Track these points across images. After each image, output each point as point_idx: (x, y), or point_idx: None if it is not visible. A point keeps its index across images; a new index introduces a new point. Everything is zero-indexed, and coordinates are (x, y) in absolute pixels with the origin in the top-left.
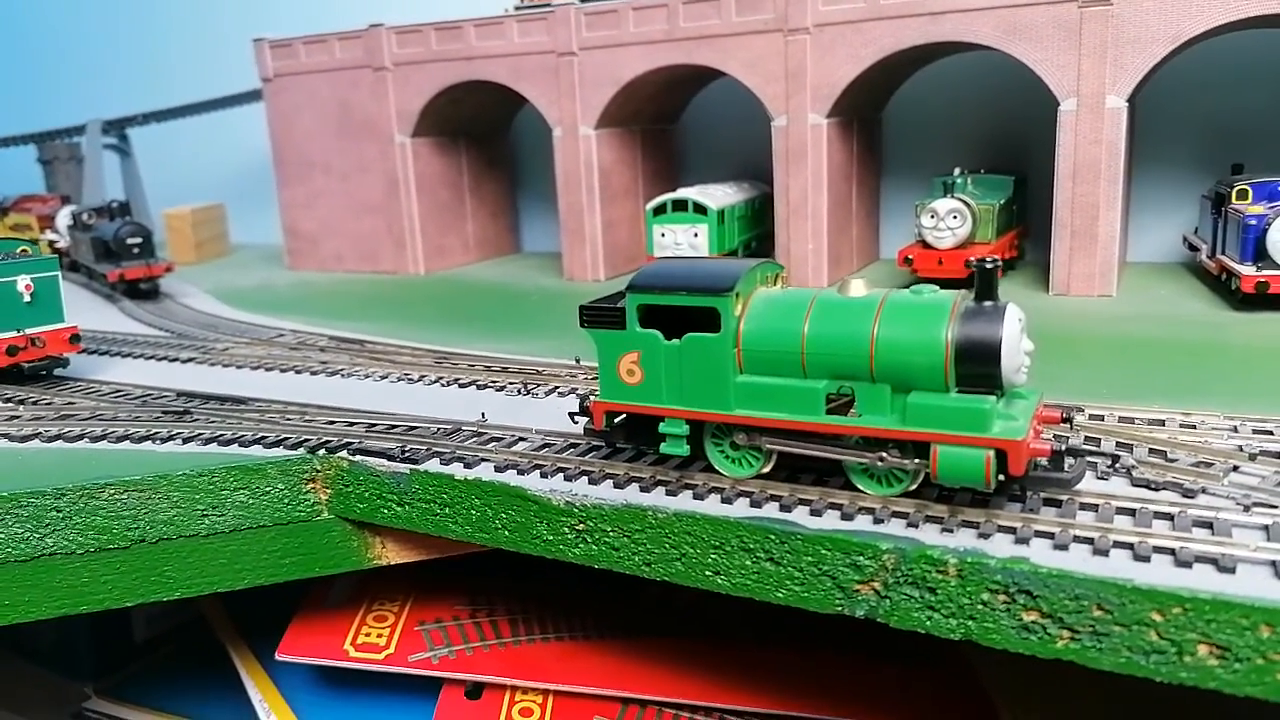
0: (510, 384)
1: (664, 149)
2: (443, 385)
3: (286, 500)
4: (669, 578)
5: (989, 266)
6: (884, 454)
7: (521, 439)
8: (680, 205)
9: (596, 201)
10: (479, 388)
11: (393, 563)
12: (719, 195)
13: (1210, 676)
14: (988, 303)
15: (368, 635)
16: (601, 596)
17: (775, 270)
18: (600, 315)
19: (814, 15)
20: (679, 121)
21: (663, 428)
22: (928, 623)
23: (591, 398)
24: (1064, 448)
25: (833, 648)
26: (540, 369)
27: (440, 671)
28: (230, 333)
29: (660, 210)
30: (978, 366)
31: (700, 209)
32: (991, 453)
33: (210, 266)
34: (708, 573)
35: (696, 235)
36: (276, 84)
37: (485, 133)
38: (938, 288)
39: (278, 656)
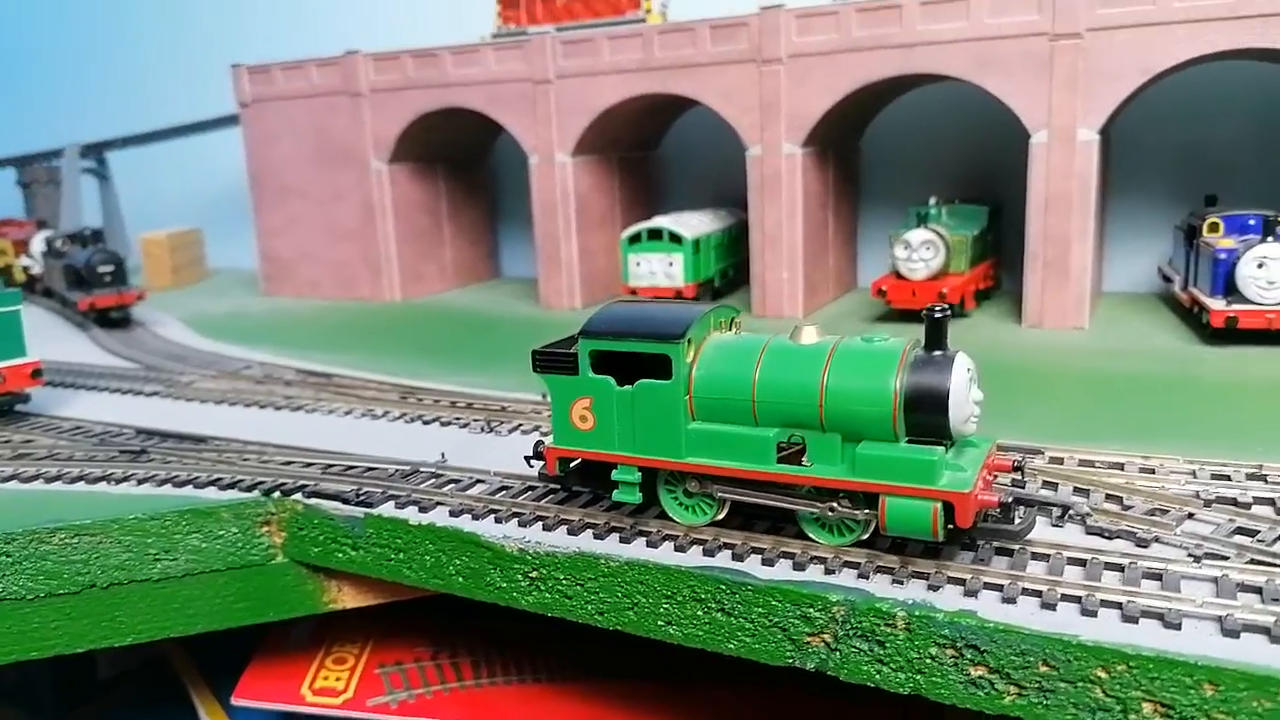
0: (474, 420)
1: (642, 176)
2: (406, 422)
3: (240, 544)
4: (621, 627)
5: (938, 315)
6: (834, 504)
7: (479, 481)
8: (655, 234)
9: (573, 229)
10: (442, 424)
11: (348, 607)
12: (694, 224)
13: None
14: (937, 352)
15: (326, 679)
16: (569, 636)
17: (730, 315)
18: (553, 360)
19: (788, 46)
20: (657, 149)
21: (615, 475)
22: (877, 676)
23: (545, 443)
24: (1011, 499)
25: (808, 687)
26: (505, 405)
27: (399, 716)
28: (198, 364)
29: (635, 239)
30: (926, 416)
31: (675, 238)
32: (939, 505)
33: (186, 292)
34: (660, 622)
35: (671, 264)
36: (254, 109)
37: (464, 159)
38: (888, 336)
39: (233, 701)
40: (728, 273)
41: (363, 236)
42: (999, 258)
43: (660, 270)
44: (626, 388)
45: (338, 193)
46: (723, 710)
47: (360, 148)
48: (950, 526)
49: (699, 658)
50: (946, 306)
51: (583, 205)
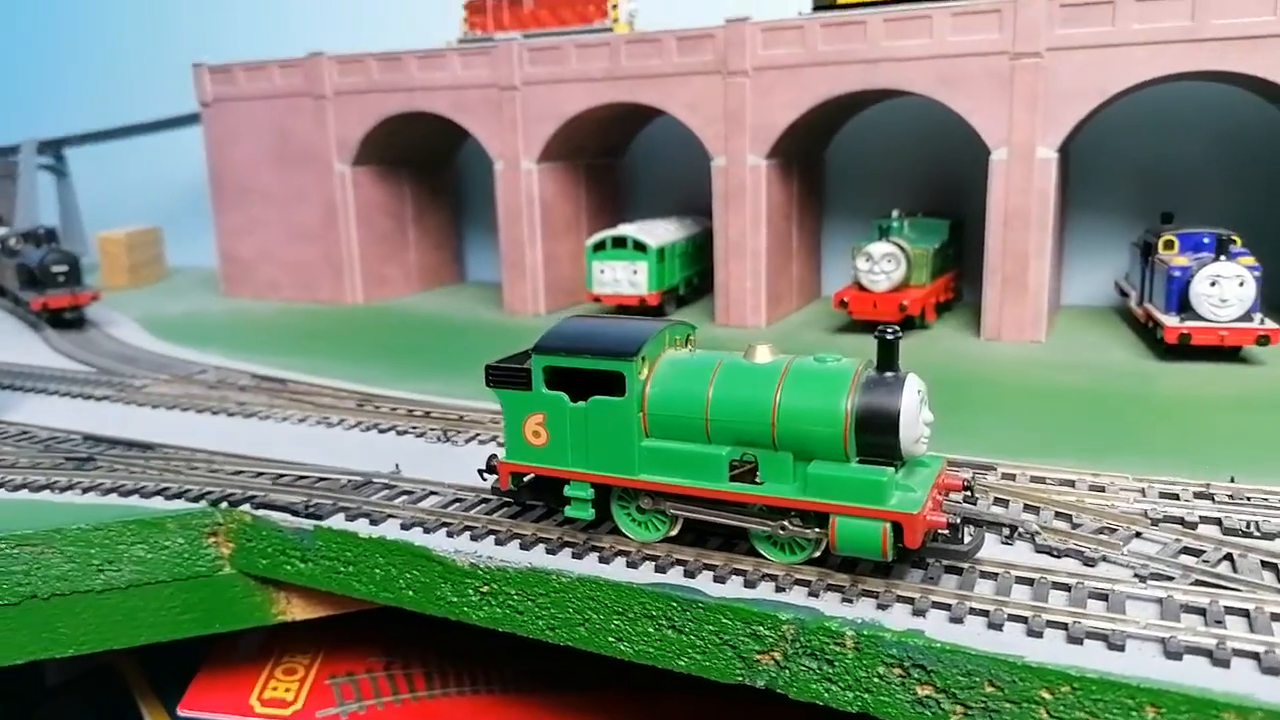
0: (431, 430)
1: (608, 183)
2: (361, 430)
3: (186, 555)
4: (573, 643)
5: (890, 337)
6: (786, 522)
7: (433, 493)
8: (620, 242)
9: (538, 235)
10: (398, 434)
11: (298, 618)
12: (659, 232)
13: None
14: (889, 373)
15: (275, 689)
16: (524, 648)
17: (685, 332)
18: (506, 376)
19: (752, 59)
20: (623, 156)
21: (568, 491)
22: (825, 695)
23: (498, 457)
24: (960, 519)
25: (765, 701)
26: (463, 415)
27: None
28: (151, 368)
29: (600, 247)
30: (876, 437)
31: (640, 246)
32: (888, 525)
33: (144, 292)
34: (611, 639)
35: (636, 273)
36: (215, 109)
37: (429, 163)
38: (841, 356)
39: (180, 712)
40: (692, 281)
41: (325, 238)
42: (960, 270)
43: (625, 278)
44: (580, 404)
45: (299, 194)
46: (672, 716)
47: (323, 149)
48: (900, 546)
49: (654, 669)
50: (898, 328)
51: (548, 212)
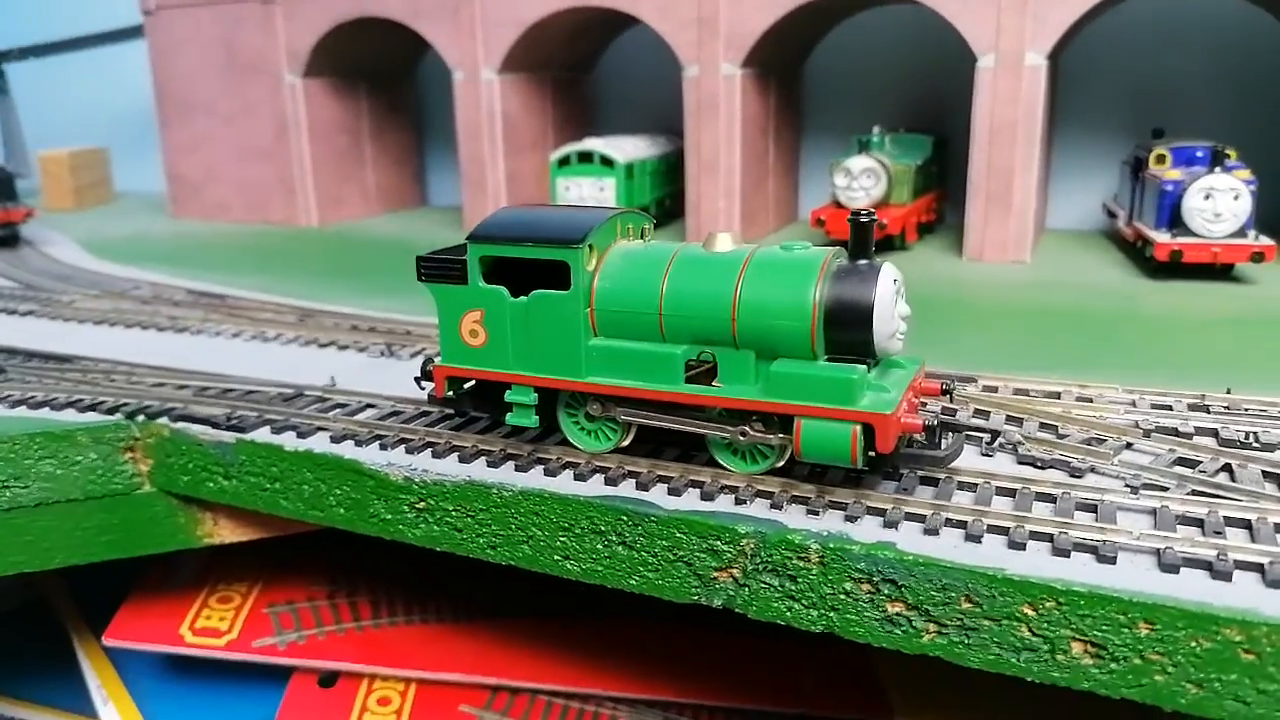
0: (375, 344)
1: (577, 99)
2: (300, 345)
3: (100, 471)
4: (515, 562)
5: (864, 220)
6: (747, 428)
7: (369, 406)
8: (586, 157)
9: (499, 152)
10: (340, 348)
11: (227, 541)
12: (628, 148)
13: (1084, 677)
14: (862, 261)
15: (208, 619)
16: (480, 573)
17: (641, 223)
18: (439, 268)
19: None
20: (594, 70)
21: (509, 396)
22: (788, 614)
23: (436, 362)
24: (937, 422)
25: (723, 625)
26: (410, 329)
27: (287, 659)
28: (83, 285)
29: (565, 162)
30: (848, 332)
31: (607, 162)
32: (858, 427)
33: (88, 214)
34: (557, 557)
35: (603, 190)
36: (158, 17)
37: (388, 75)
38: (810, 244)
39: (104, 641)
40: (664, 202)
41: (276, 156)
42: (944, 191)
43: (591, 196)
44: (521, 299)
45: (249, 108)
46: (643, 648)
47: (272, 60)
48: (872, 454)
49: (611, 592)
50: (873, 211)
51: (511, 127)
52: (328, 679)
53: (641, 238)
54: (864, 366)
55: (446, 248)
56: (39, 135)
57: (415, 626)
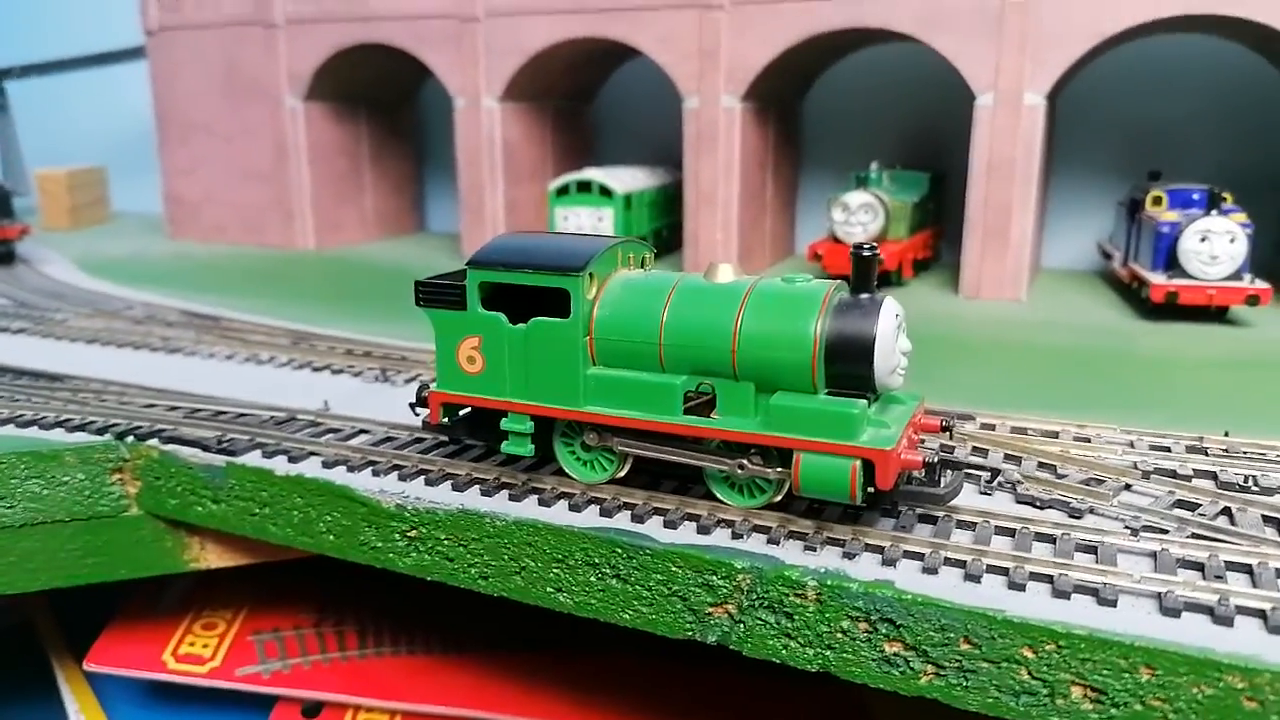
0: (370, 369)
1: (577, 129)
2: (294, 368)
3: (87, 493)
4: (507, 593)
5: (867, 254)
6: (745, 461)
7: (363, 431)
8: (584, 187)
9: (499, 180)
10: (334, 372)
11: (213, 567)
12: (627, 179)
13: None
14: (864, 295)
15: (192, 645)
16: (469, 606)
17: (642, 251)
18: (438, 293)
19: None
20: (595, 101)
21: (505, 424)
22: (784, 651)
23: (430, 387)
24: (938, 460)
25: (718, 661)
26: (406, 355)
27: (271, 688)
28: (77, 303)
29: (563, 191)
30: (849, 366)
31: (606, 192)
32: (858, 463)
33: (85, 233)
34: (549, 589)
35: (601, 220)
36: (160, 38)
37: (389, 101)
38: (811, 277)
39: (85, 666)
40: (662, 233)
41: (275, 179)
42: (940, 228)
43: (589, 226)
44: (520, 326)
45: (248, 130)
46: (631, 682)
47: (273, 83)
48: (871, 490)
49: (603, 626)
50: (875, 245)
51: (511, 155)
52: (312, 709)
53: (643, 266)
54: (864, 401)
55: (446, 273)
56: (38, 154)
57: (403, 658)
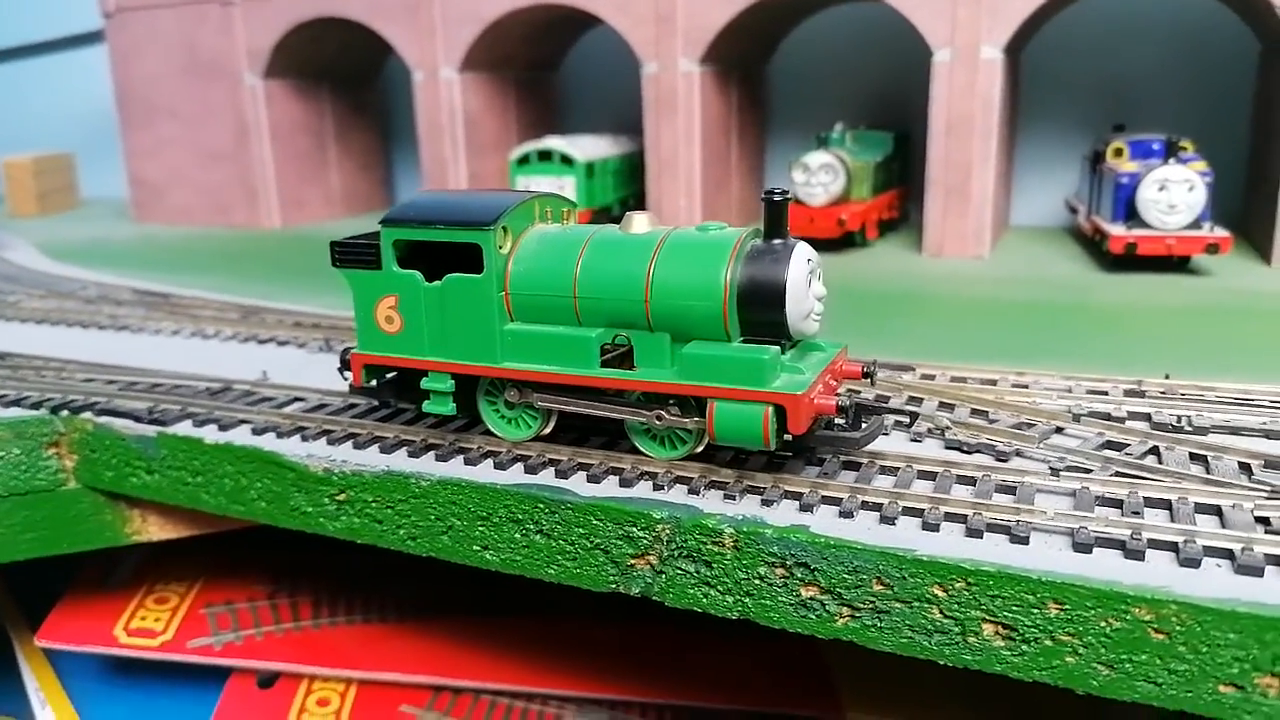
0: (314, 340)
1: (540, 98)
2: (239, 341)
3: (24, 467)
4: (436, 553)
5: (778, 199)
6: (663, 412)
7: (298, 399)
8: (545, 156)
9: (461, 152)
10: (279, 344)
11: (155, 539)
12: (589, 147)
13: (996, 659)
14: (776, 241)
15: (143, 619)
16: (427, 572)
17: (563, 206)
18: (354, 253)
19: None
20: (557, 70)
21: (425, 384)
22: (704, 600)
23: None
24: (854, 404)
25: (674, 622)
26: (353, 324)
27: (223, 659)
28: (32, 285)
29: (524, 161)
30: (760, 312)
31: (567, 160)
32: (770, 408)
33: (52, 219)
34: (476, 547)
35: (562, 188)
36: (118, 19)
37: (352, 77)
38: (727, 225)
39: (36, 642)
40: (627, 201)
41: (237, 159)
42: (906, 188)
43: None
44: (435, 284)
45: (209, 111)
46: (587, 645)
47: (232, 61)
48: (788, 436)
49: (558, 590)
50: (786, 190)
51: (473, 126)
52: (267, 680)
53: (566, 221)
54: (776, 348)
55: (362, 234)
56: (3, 141)
57: (356, 626)
